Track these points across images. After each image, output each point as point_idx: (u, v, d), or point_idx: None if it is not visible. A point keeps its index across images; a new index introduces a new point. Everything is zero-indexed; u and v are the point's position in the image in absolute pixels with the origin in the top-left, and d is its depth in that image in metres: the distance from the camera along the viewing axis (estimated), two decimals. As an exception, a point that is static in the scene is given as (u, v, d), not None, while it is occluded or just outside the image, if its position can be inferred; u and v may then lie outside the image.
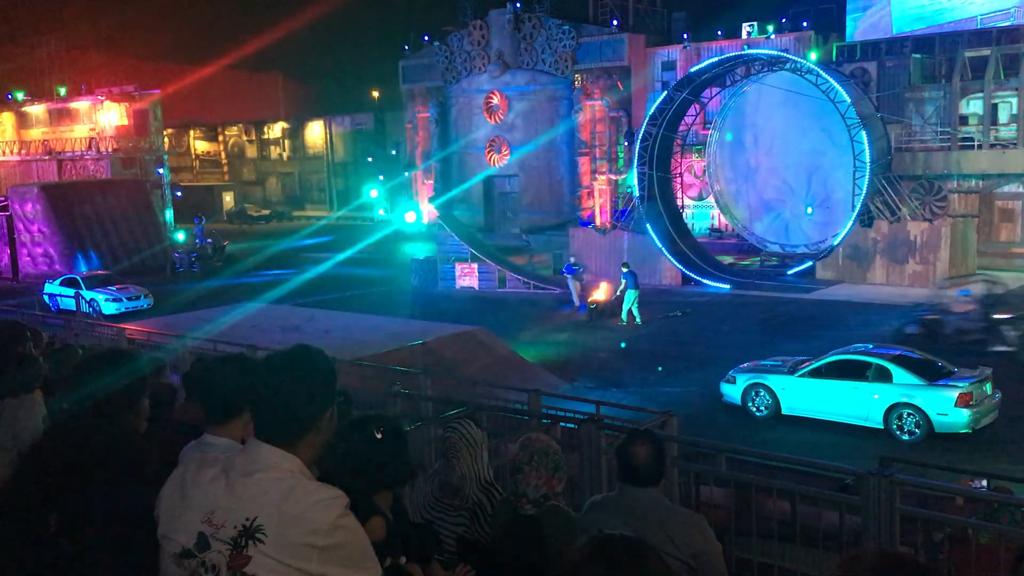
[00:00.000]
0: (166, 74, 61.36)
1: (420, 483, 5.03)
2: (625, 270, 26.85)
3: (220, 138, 78.08)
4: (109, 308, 30.34)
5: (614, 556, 2.01)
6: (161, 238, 44.04)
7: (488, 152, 50.65)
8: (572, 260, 30.45)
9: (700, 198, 43.14)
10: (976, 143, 35.48)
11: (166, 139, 63.23)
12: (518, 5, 48.07)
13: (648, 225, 34.01)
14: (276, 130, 74.46)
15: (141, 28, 73.59)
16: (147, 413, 3.51)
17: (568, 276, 29.48)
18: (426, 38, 53.40)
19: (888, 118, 34.61)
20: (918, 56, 38.10)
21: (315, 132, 71.63)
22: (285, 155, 74.08)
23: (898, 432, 15.61)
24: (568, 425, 7.81)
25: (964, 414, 15.15)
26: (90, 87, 53.11)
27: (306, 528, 2.37)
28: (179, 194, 59.56)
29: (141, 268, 40.37)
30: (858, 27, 40.59)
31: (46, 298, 32.15)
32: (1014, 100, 34.95)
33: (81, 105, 52.18)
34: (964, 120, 36.17)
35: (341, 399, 2.80)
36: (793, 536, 7.11)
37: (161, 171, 50.16)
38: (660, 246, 33.02)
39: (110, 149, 49.87)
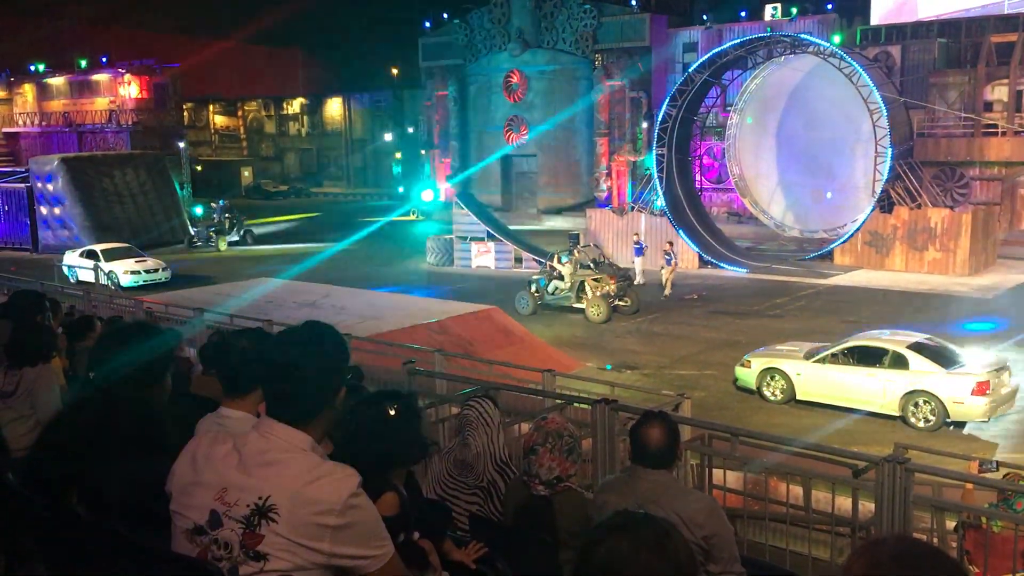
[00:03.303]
0: (187, 48, 61.45)
1: (435, 460, 5.05)
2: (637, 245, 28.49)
3: (239, 113, 78.20)
4: (128, 280, 30.56)
5: (639, 534, 2.01)
6: (180, 212, 44.23)
7: (506, 131, 50.48)
8: (637, 238, 30.69)
9: (719, 181, 42.88)
10: (1000, 130, 35.07)
11: (186, 113, 63.43)
12: (540, -17, 47.77)
13: (666, 207, 33.85)
14: (295, 106, 74.51)
15: (162, 2, 73.58)
16: (169, 387, 3.52)
17: (637, 257, 29.90)
18: (446, 16, 53.18)
19: (911, 103, 34.24)
20: (943, 41, 37.61)
21: (334, 108, 71.62)
22: (303, 131, 74.15)
23: (913, 420, 15.54)
24: (582, 406, 7.81)
25: (981, 402, 15.06)
26: (111, 60, 53.27)
27: (319, 508, 2.37)
28: (198, 168, 59.75)
29: (159, 241, 40.61)
30: (883, 10, 40.07)
31: (65, 269, 32.39)
32: (1040, 87, 34.51)
33: (102, 78, 52.38)
34: (988, 107, 35.74)
35: (349, 376, 2.78)
36: (806, 521, 7.11)
37: (181, 145, 50.29)
38: (677, 228, 32.89)
39: (130, 122, 50.07)
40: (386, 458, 3.48)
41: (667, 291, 27.62)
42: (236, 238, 41.06)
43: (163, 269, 31.72)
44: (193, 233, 41.60)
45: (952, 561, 1.81)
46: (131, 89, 50.44)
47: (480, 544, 3.74)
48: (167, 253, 37.06)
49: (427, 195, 48.14)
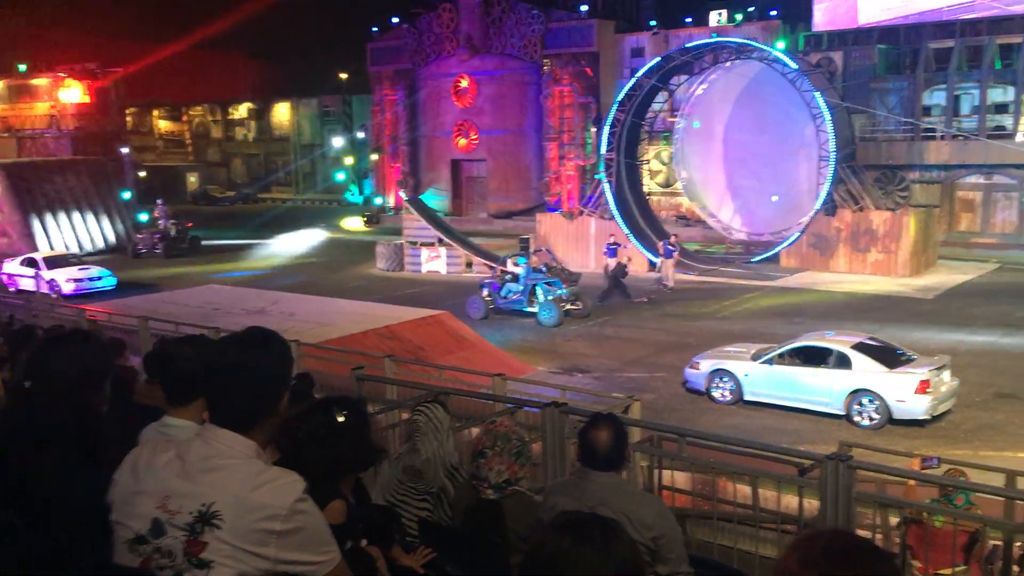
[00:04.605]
0: (129, 52, 60.33)
1: (385, 467, 5.03)
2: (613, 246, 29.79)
3: (184, 118, 76.99)
4: (69, 288, 29.92)
5: (583, 533, 2.02)
6: (123, 219, 43.43)
7: (456, 136, 50.45)
8: (613, 240, 31.26)
9: (667, 185, 43.33)
10: (938, 134, 35.96)
11: (129, 118, 62.27)
12: (487, -12, 47.85)
13: (615, 211, 34.10)
14: (242, 111, 73.57)
15: (104, 5, 72.19)
16: (108, 395, 3.46)
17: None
18: (395, 20, 52.99)
19: (853, 108, 34.95)
20: (883, 47, 38.49)
21: (281, 113, 70.88)
22: (251, 136, 73.24)
23: (858, 418, 15.84)
24: (532, 409, 7.84)
25: (923, 400, 15.41)
26: (51, 64, 52.10)
27: (264, 513, 2.35)
28: (142, 174, 58.74)
29: (102, 249, 39.81)
30: (825, 17, 40.87)
31: (4, 278, 31.61)
32: (976, 92, 35.45)
33: (41, 82, 51.17)
34: (927, 111, 36.64)
35: (295, 383, 2.77)
36: (754, 520, 7.21)
37: (123, 150, 49.37)
38: (627, 232, 33.15)
39: (71, 127, 49.03)
40: (335, 465, 3.47)
41: (671, 283, 28.89)
42: (184, 245, 40.43)
43: (106, 277, 31.13)
44: (137, 240, 40.86)
45: (882, 554, 1.86)
46: (72, 94, 49.35)
47: (428, 549, 3.74)
48: (110, 261, 36.34)
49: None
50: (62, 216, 40.80)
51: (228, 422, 2.49)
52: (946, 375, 16.12)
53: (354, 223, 51.47)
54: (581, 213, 35.80)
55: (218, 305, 21.41)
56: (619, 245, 31.19)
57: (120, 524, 2.49)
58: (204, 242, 41.07)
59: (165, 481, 2.45)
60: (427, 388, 8.53)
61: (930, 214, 33.04)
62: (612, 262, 30.22)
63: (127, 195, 45.57)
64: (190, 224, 41.85)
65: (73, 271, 30.90)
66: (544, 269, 26.40)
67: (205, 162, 74.66)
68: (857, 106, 35.38)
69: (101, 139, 49.13)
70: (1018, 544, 6.96)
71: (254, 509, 2.35)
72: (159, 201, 42.15)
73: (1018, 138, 34.20)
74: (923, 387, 15.41)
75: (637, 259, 32.47)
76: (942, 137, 35.84)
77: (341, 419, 3.51)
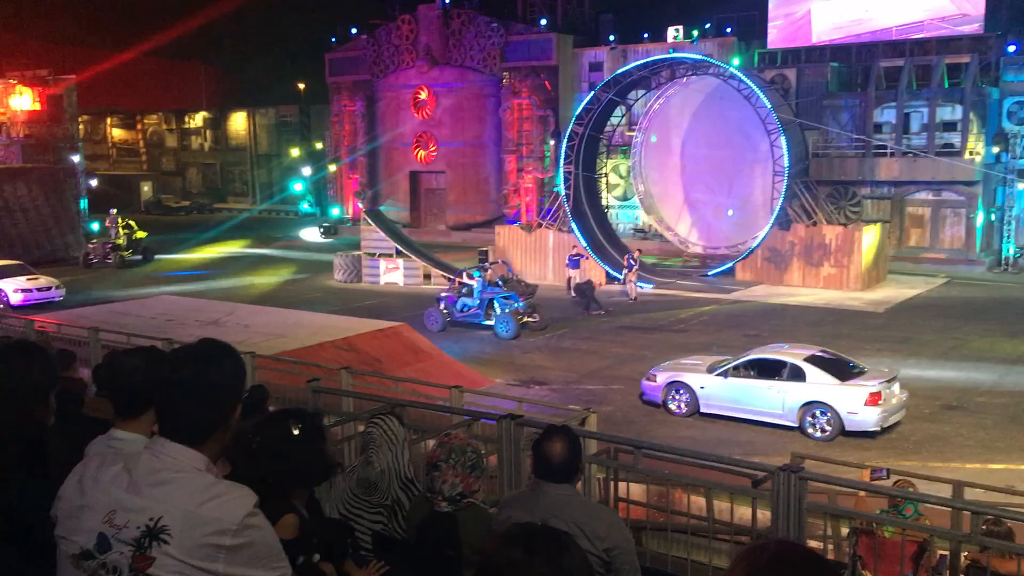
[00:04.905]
0: (83, 59, 59.46)
1: (339, 479, 4.99)
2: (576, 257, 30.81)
3: (139, 127, 75.93)
4: (17, 299, 29.30)
5: (532, 542, 2.03)
6: (74, 228, 42.68)
7: (415, 147, 50.38)
8: (576, 251, 31.89)
9: (625, 198, 43.65)
10: (889, 151, 36.69)
11: (82, 126, 61.27)
12: (447, 1, 47.91)
13: (573, 224, 34.27)
14: (198, 120, 72.71)
15: (58, 10, 71.05)
16: (54, 407, 3.40)
17: (573, 270, 31.07)
18: (354, 31, 52.84)
19: (806, 124, 35.54)
20: (835, 65, 39.24)
21: (238, 123, 70.19)
22: (207, 145, 72.40)
23: (811, 430, 16.04)
24: (489, 421, 7.83)
25: (873, 412, 15.65)
26: (1, 70, 51.08)
27: (213, 528, 2.32)
28: (93, 183, 57.77)
29: (53, 259, 39.07)
30: (779, 35, 41.56)
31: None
32: (925, 110, 36.23)
33: (-9, 88, 50.12)
34: (878, 128, 37.37)
35: (247, 394, 2.74)
36: (707, 531, 7.26)
37: (75, 159, 48.54)
38: (585, 245, 33.32)
39: (21, 135, 48.05)
40: (289, 477, 3.44)
41: (634, 295, 29.51)
42: (137, 255, 39.84)
43: (56, 287, 30.53)
44: (89, 250, 40.14)
45: (828, 564, 1.89)
46: (23, 100, 48.39)
47: (381, 562, 3.72)
48: (61, 270, 35.67)
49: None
50: (11, 224, 39.96)
51: (178, 435, 2.45)
52: (896, 387, 16.41)
53: (311, 234, 51.09)
54: (539, 225, 35.92)
55: (172, 316, 21.11)
56: (582, 256, 31.44)
57: (65, 539, 2.44)
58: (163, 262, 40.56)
59: (112, 495, 2.41)
60: (383, 400, 8.49)
61: (881, 229, 33.66)
62: (575, 273, 30.52)
63: (79, 204, 44.79)
64: (144, 234, 41.26)
65: (22, 281, 30.25)
66: (501, 282, 26.43)
67: (160, 171, 73.67)
68: (810, 122, 35.99)
69: (53, 147, 48.24)
70: (964, 554, 7.09)
71: (203, 524, 2.32)
72: (111, 211, 41.48)
73: (965, 156, 35.02)
74: (874, 399, 15.67)
75: (594, 272, 32.64)
76: (892, 154, 36.58)
77: (296, 431, 3.49)
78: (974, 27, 37.35)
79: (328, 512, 4.52)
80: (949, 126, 36.02)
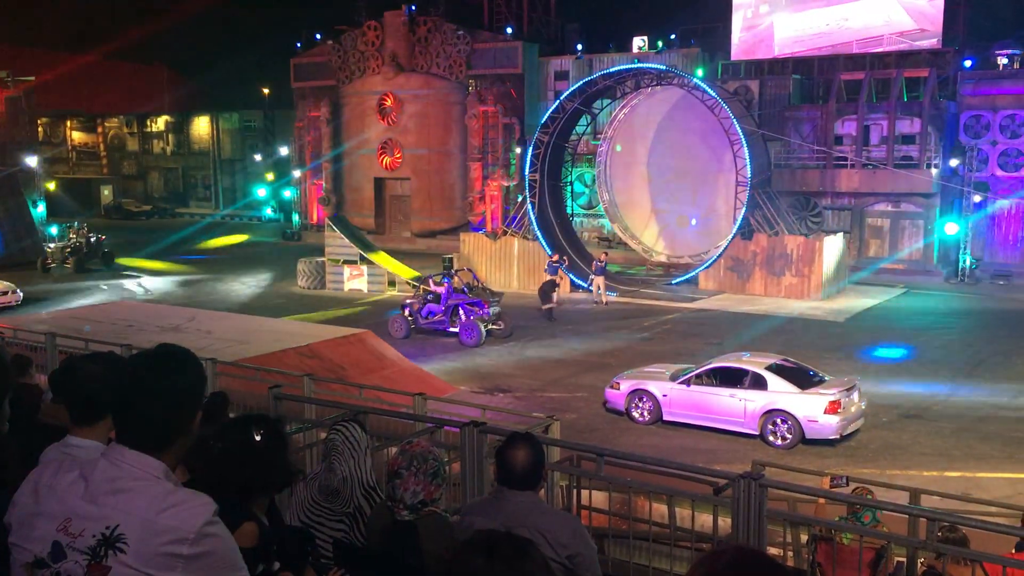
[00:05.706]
0: (44, 62, 58.53)
1: (300, 487, 4.96)
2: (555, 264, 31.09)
3: (99, 130, 74.91)
4: (-27, 304, 28.77)
5: (495, 549, 2.03)
6: (32, 232, 42.00)
7: (380, 154, 50.23)
8: (555, 259, 31.91)
9: (590, 207, 43.85)
10: (849, 162, 37.26)
11: (40, 129, 60.37)
12: (413, 7, 47.87)
13: (538, 232, 34.35)
14: (159, 123, 71.91)
15: (18, 13, 69.93)
16: (8, 414, 3.34)
17: (596, 275, 31.39)
18: (319, 37, 52.59)
19: (769, 135, 35.98)
20: (797, 77, 39.78)
21: (201, 127, 69.52)
22: (169, 149, 71.62)
23: (772, 438, 16.20)
24: (452, 429, 7.82)
25: (833, 420, 15.84)
26: (-43, 71, 50.12)
27: (170, 536, 2.29)
28: (52, 186, 56.93)
29: (10, 263, 38.38)
30: (742, 47, 42.05)
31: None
32: (884, 123, 36.83)
33: (-53, 89, 49.19)
34: (839, 140, 37.93)
35: (207, 400, 2.71)
36: (669, 538, 7.31)
37: (33, 162, 47.78)
38: (550, 253, 33.38)
39: (-23, 137, 47.18)
40: (249, 484, 3.40)
41: (604, 300, 30.18)
42: (97, 260, 39.28)
43: (12, 291, 30.01)
44: (47, 254, 39.51)
45: (785, 570, 1.91)
46: (-21, 102, 47.55)
47: (342, 570, 3.69)
48: (18, 275, 35.06)
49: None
50: (-34, 228, 39.24)
51: (136, 442, 2.42)
52: (855, 396, 16.62)
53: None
54: (505, 233, 35.96)
55: (132, 321, 20.81)
56: (561, 264, 31.40)
57: (18, 547, 2.40)
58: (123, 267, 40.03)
59: (67, 502, 2.37)
60: (346, 407, 8.44)
61: (841, 240, 34.12)
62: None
63: (37, 208, 44.10)
64: (103, 237, 40.72)
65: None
66: (466, 289, 26.42)
67: (121, 175, 72.73)
68: (773, 133, 36.44)
69: (10, 150, 47.41)
70: (921, 560, 7.20)
71: (160, 532, 2.29)
72: (79, 218, 40.84)
73: (923, 168, 35.64)
74: (833, 407, 15.86)
75: (559, 279, 32.70)
76: (852, 166, 37.15)
77: (258, 437, 3.45)
78: (932, 42, 38.05)
79: (289, 520, 4.48)
80: (908, 139, 36.65)
